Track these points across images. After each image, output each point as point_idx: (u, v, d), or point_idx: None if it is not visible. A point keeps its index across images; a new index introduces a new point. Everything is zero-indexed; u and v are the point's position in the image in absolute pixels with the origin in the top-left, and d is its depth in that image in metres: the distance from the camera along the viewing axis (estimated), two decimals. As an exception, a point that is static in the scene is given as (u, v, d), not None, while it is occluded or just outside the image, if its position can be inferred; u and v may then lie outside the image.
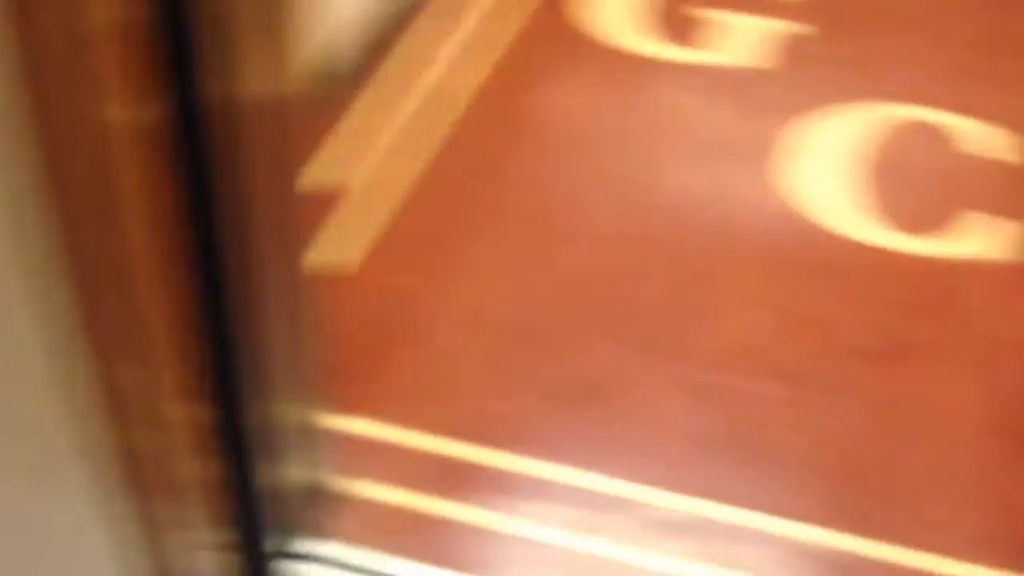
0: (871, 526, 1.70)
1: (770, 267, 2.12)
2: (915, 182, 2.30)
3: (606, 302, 2.05)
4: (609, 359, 1.94)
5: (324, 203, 2.16)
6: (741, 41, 2.64)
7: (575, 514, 1.71)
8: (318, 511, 1.68)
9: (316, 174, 2.21)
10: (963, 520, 1.72)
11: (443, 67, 2.56)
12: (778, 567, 1.65)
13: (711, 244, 2.17)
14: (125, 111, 0.99)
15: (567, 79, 2.56)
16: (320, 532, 1.66)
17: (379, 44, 2.55)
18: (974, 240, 2.17)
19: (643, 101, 2.51)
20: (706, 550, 1.67)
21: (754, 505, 1.72)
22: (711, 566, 1.65)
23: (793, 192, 2.27)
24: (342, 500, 1.71)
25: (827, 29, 2.66)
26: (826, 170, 2.32)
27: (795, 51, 2.61)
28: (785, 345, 1.98)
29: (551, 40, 2.66)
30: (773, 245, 2.17)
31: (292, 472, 1.60)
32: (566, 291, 2.07)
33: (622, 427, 1.84)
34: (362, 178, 2.28)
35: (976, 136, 2.38)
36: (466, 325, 2.00)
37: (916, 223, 2.20)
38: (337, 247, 2.12)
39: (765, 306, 2.04)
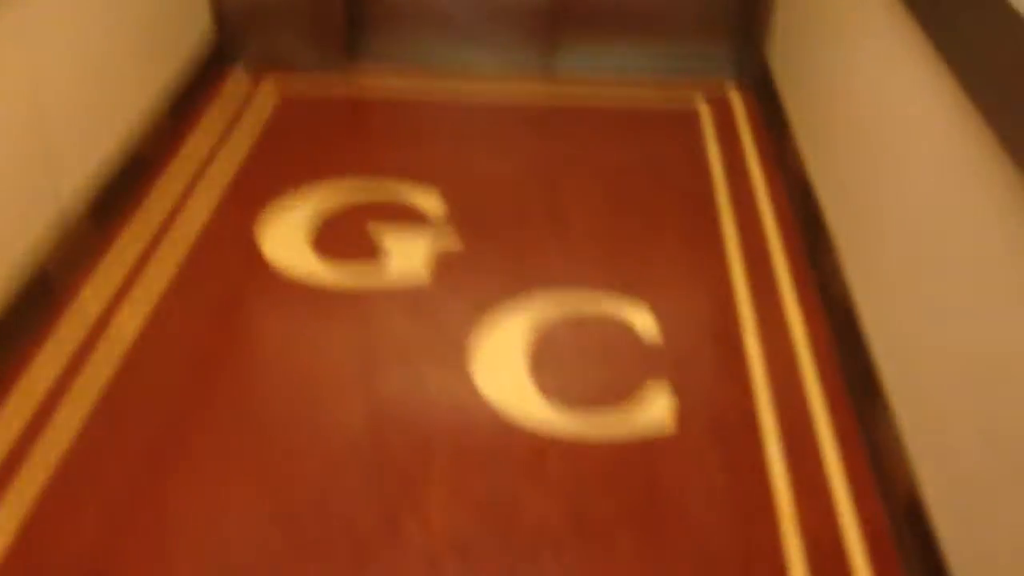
0: None
1: (467, 462, 2.23)
2: (591, 369, 2.51)
3: (307, 525, 2.08)
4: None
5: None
6: (405, 258, 2.87)
7: None
8: None
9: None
10: None
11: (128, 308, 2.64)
12: None
13: (411, 448, 2.26)
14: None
15: (259, 314, 2.68)
16: None
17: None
18: (648, 413, 2.35)
19: (334, 325, 2.65)
20: None
21: None
22: None
23: (487, 393, 2.41)
24: None
25: (471, 240, 2.98)
26: (512, 368, 2.49)
27: (449, 261, 2.88)
28: (486, 536, 2.05)
29: (244, 275, 2.80)
30: (469, 441, 2.28)
31: None
32: (267, 518, 2.09)
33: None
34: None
35: (628, 320, 2.64)
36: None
37: (598, 406, 2.38)
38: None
39: (464, 502, 2.13)
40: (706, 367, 2.50)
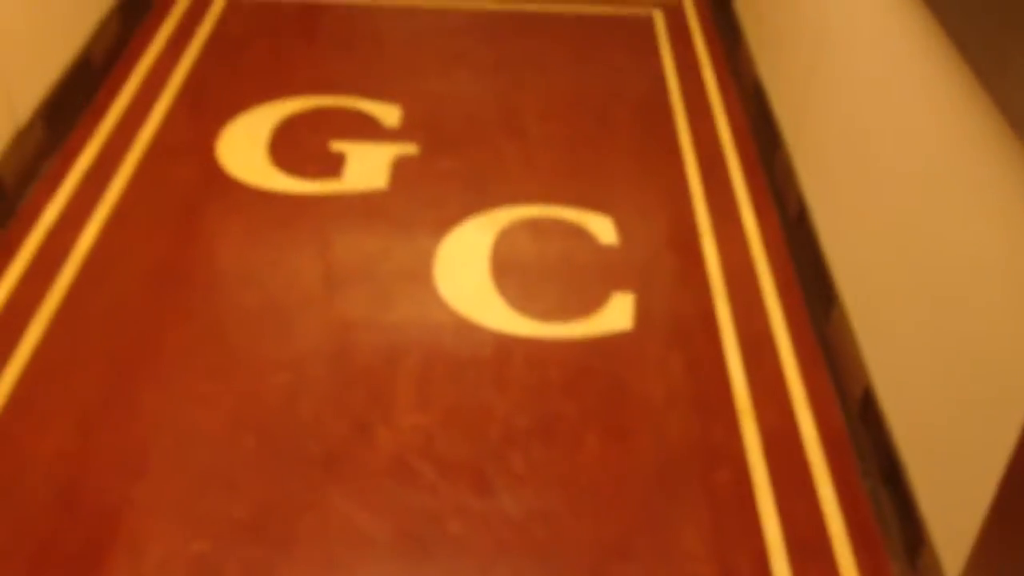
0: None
1: (433, 368, 2.26)
2: (552, 274, 2.55)
3: (278, 429, 2.11)
4: (292, 484, 2.00)
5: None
6: (364, 167, 2.87)
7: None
8: None
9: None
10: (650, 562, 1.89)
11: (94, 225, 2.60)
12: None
13: (377, 355, 2.29)
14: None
15: (219, 222, 2.67)
16: None
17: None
18: (609, 316, 2.41)
19: (295, 234, 2.64)
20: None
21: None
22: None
23: (450, 299, 2.43)
24: None
25: (430, 151, 2.97)
26: (474, 274, 2.52)
27: (408, 170, 2.87)
28: (456, 439, 2.11)
29: (208, 189, 2.76)
30: (435, 350, 2.31)
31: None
32: (238, 423, 2.12)
33: (316, 547, 1.88)
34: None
35: (587, 225, 2.68)
36: (141, 476, 2.00)
37: (560, 310, 2.42)
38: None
39: (432, 406, 2.17)
40: (666, 273, 2.55)
